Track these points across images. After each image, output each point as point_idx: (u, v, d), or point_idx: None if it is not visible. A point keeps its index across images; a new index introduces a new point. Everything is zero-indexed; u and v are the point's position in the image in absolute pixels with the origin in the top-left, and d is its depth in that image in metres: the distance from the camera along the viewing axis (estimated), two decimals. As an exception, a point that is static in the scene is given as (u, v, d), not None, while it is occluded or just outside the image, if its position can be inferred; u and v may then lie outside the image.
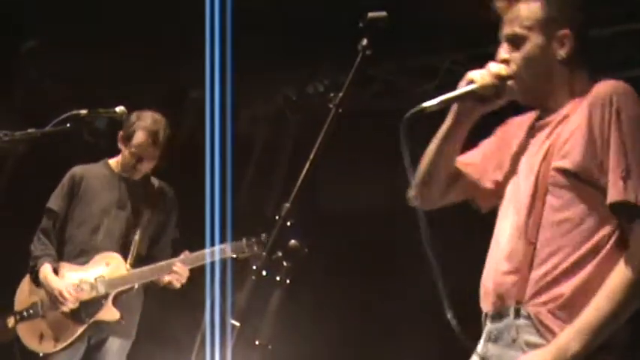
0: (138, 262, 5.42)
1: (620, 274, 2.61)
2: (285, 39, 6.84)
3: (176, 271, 5.29)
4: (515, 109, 3.09)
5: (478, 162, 3.15)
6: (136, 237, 5.40)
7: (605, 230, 2.70)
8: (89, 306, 5.27)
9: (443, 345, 6.38)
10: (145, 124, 5.36)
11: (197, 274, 5.38)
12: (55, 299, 5.22)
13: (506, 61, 2.93)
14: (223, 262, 5.35)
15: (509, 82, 2.91)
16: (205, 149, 5.74)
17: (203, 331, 7.37)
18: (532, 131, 2.96)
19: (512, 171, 2.97)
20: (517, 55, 2.90)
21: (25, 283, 5.45)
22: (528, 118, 3.05)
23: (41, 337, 5.27)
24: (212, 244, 5.40)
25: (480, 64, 7.15)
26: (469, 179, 3.13)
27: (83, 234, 5.39)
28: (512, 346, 2.76)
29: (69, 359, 5.29)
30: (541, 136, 2.88)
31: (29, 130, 4.28)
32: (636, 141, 2.67)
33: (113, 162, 5.54)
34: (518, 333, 2.74)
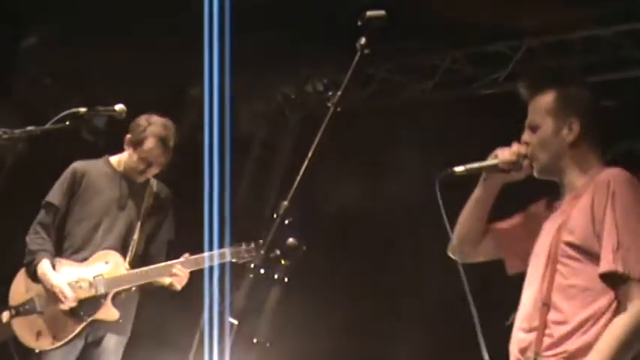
0: (136, 261, 5.40)
1: (617, 322, 3.13)
2: (284, 37, 6.84)
3: (176, 274, 5.28)
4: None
5: (509, 229, 3.69)
6: (135, 236, 5.38)
7: (606, 298, 3.19)
8: (88, 304, 5.23)
9: (440, 340, 6.44)
10: (156, 130, 5.33)
11: (195, 273, 5.37)
12: (54, 296, 5.17)
13: (526, 143, 3.48)
14: (222, 254, 5.34)
15: (527, 161, 3.48)
16: (204, 148, 5.74)
17: (201, 329, 7.40)
18: (551, 210, 3.52)
19: (535, 245, 3.48)
20: (534, 139, 3.46)
21: (21, 277, 5.36)
22: (554, 201, 3.55)
23: (38, 333, 5.21)
24: (210, 243, 5.40)
25: (479, 63, 7.14)
26: (499, 242, 3.69)
27: (82, 231, 5.34)
28: None
29: (66, 355, 5.25)
30: (556, 215, 3.43)
31: (28, 128, 4.26)
32: (627, 221, 3.19)
33: (115, 160, 5.49)
34: None
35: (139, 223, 5.40)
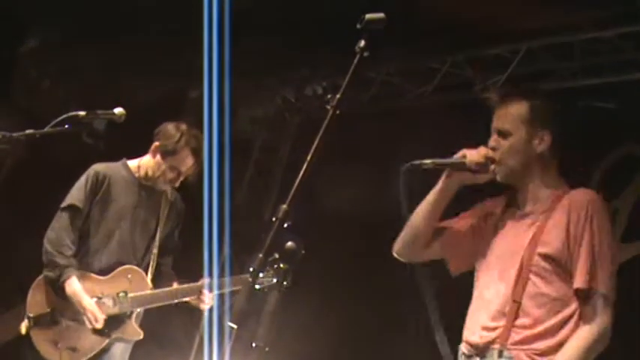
0: (155, 278, 5.34)
1: (585, 331, 3.48)
2: (283, 41, 6.84)
3: (203, 299, 5.23)
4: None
5: (456, 229, 3.82)
6: (155, 250, 5.31)
7: (573, 306, 3.52)
8: (112, 321, 5.13)
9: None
10: (191, 142, 5.26)
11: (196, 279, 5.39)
12: (82, 317, 5.07)
13: (494, 149, 3.63)
14: (221, 265, 5.33)
15: (493, 165, 3.62)
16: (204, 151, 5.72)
17: (201, 332, 7.41)
18: (509, 216, 3.72)
19: (491, 246, 3.71)
20: (504, 145, 3.61)
21: (40, 287, 5.19)
22: (501, 201, 3.78)
23: (59, 346, 5.07)
24: (210, 248, 5.39)
25: (478, 65, 7.11)
26: (446, 242, 3.82)
27: (97, 236, 5.23)
28: None
29: None
30: (524, 222, 3.63)
31: (27, 131, 4.25)
32: (601, 245, 3.50)
33: (134, 166, 5.39)
34: None
35: (157, 237, 5.32)
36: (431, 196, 3.74)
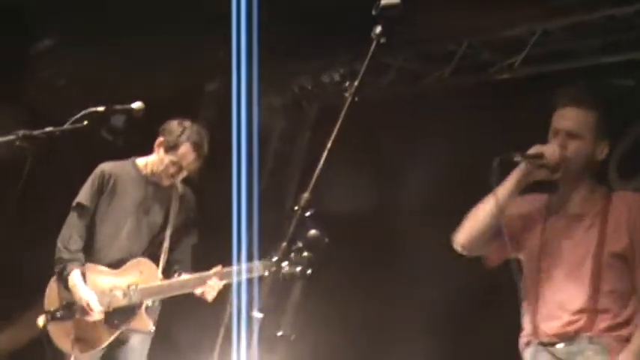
0: (168, 271, 5.44)
1: None
2: (299, 28, 6.83)
3: (211, 285, 5.29)
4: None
5: (512, 223, 3.92)
6: (166, 244, 5.42)
7: (634, 298, 3.75)
8: (122, 313, 5.28)
9: (448, 341, 6.43)
10: (192, 136, 5.38)
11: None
12: (82, 309, 5.21)
13: (564, 147, 3.78)
14: (249, 255, 5.40)
15: (562, 163, 3.75)
16: (232, 145, 5.79)
17: (226, 323, 7.42)
18: (559, 215, 3.90)
19: (545, 244, 3.88)
20: (572, 146, 3.79)
21: (54, 282, 5.39)
22: (544, 199, 3.99)
23: (74, 339, 5.24)
24: (239, 241, 5.47)
25: (495, 49, 7.08)
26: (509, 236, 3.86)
27: (107, 232, 5.37)
28: None
29: (93, 355, 5.30)
30: (581, 226, 3.84)
31: (47, 129, 4.27)
32: None
33: (142, 163, 5.53)
34: (589, 354, 3.72)
35: (168, 230, 5.44)
36: (503, 191, 3.82)
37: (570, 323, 3.77)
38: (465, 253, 3.96)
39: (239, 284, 5.30)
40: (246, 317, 5.20)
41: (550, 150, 3.78)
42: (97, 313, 5.19)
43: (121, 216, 5.38)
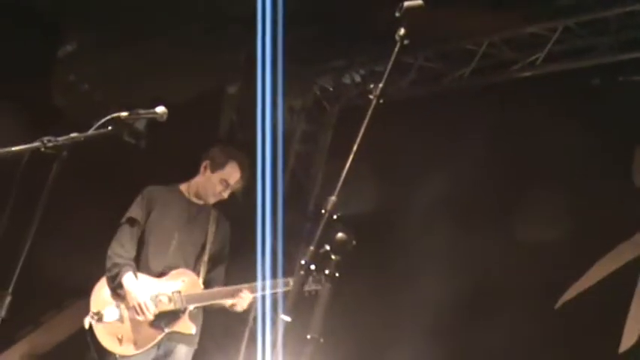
0: (206, 282, 5.79)
1: None
2: (319, 29, 6.84)
3: (242, 297, 5.63)
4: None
5: None
6: (206, 258, 5.78)
7: None
8: (167, 316, 5.59)
9: (453, 343, 6.41)
10: (238, 157, 5.85)
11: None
12: (134, 309, 5.49)
13: None
14: (274, 256, 5.63)
15: None
16: (256, 148, 5.90)
17: (251, 327, 7.46)
18: None
19: None
20: None
21: (102, 284, 5.63)
22: None
23: (120, 339, 5.51)
24: (263, 241, 5.65)
25: (514, 47, 7.03)
26: None
27: (155, 245, 5.70)
28: None
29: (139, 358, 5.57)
30: None
31: (72, 135, 4.28)
32: None
33: (184, 187, 5.92)
34: None
35: (208, 246, 5.80)
36: None
37: None
38: None
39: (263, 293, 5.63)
40: (271, 320, 5.38)
41: None
42: (149, 314, 5.49)
43: (169, 232, 5.74)
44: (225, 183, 5.81)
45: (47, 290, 6.94)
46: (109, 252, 5.64)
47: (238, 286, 5.67)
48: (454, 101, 7.21)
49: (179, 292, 5.61)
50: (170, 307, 5.58)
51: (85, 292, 5.76)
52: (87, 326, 5.52)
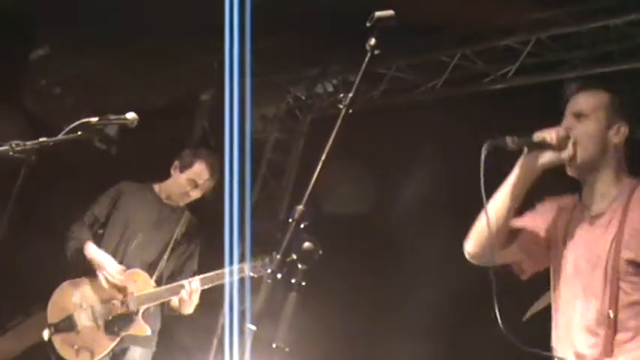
0: (161, 281, 5.74)
1: None
2: (292, 39, 6.83)
3: (186, 289, 5.55)
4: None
5: (532, 229, 3.57)
6: (165, 256, 5.73)
7: None
8: (121, 320, 5.58)
9: (447, 344, 6.42)
10: (206, 156, 5.83)
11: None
12: (104, 277, 5.48)
13: (569, 128, 3.43)
14: (241, 268, 5.60)
15: (572, 144, 3.40)
16: (224, 153, 5.89)
17: (219, 335, 7.45)
18: (579, 218, 3.46)
19: (566, 252, 3.45)
20: (580, 127, 3.42)
21: (58, 295, 5.64)
22: (568, 201, 3.57)
23: (77, 349, 5.51)
24: (231, 251, 5.64)
25: (487, 58, 7.06)
26: (525, 243, 3.57)
27: (114, 244, 5.67)
28: None
29: None
30: (598, 227, 3.37)
31: (41, 139, 4.26)
32: None
33: (157, 187, 5.91)
34: None
35: (170, 246, 5.75)
36: (508, 189, 3.46)
37: (585, 350, 3.31)
38: (476, 262, 3.55)
39: (230, 296, 5.54)
40: (239, 329, 5.33)
41: (549, 132, 3.42)
42: (116, 273, 5.49)
43: (132, 231, 5.71)
44: (193, 183, 5.79)
45: (14, 296, 6.90)
46: (68, 233, 5.64)
47: (184, 281, 5.58)
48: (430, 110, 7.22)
49: (132, 293, 5.57)
50: (124, 310, 5.55)
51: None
52: (46, 338, 5.54)
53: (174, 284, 5.62)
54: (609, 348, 3.23)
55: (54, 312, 5.60)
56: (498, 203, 3.46)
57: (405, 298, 6.74)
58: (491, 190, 3.48)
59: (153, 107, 6.28)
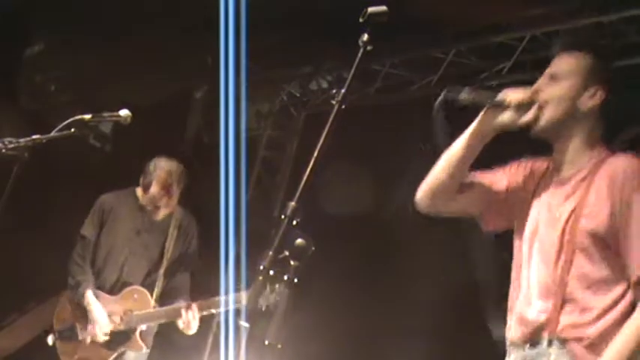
0: (161, 297, 5.78)
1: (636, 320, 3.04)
2: (287, 35, 6.83)
3: (188, 317, 5.52)
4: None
5: (489, 184, 3.46)
6: (161, 271, 5.76)
7: (622, 286, 3.11)
8: (119, 336, 5.65)
9: (444, 343, 6.41)
10: (160, 177, 5.75)
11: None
12: (92, 328, 5.58)
13: (538, 91, 3.26)
14: (237, 261, 5.61)
15: (536, 107, 3.25)
16: (220, 152, 5.88)
17: (214, 332, 7.46)
18: (548, 180, 3.34)
19: (528, 213, 3.34)
20: (552, 89, 3.25)
21: (65, 302, 5.79)
22: (541, 164, 3.42)
23: (75, 357, 5.65)
24: (227, 248, 5.67)
25: (482, 55, 7.06)
26: (479, 197, 3.46)
27: (105, 260, 5.74)
28: None
29: None
30: (562, 191, 3.25)
31: (34, 137, 4.25)
32: None
33: (140, 191, 5.89)
34: (553, 358, 3.15)
35: (166, 255, 5.78)
36: (463, 140, 3.36)
37: (533, 317, 3.21)
38: (425, 211, 3.45)
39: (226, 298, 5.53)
40: (234, 327, 5.35)
41: (515, 91, 3.28)
42: (101, 335, 5.57)
43: (119, 245, 5.74)
44: (152, 203, 5.78)
45: (9, 293, 6.89)
46: (69, 267, 5.71)
47: (177, 305, 5.60)
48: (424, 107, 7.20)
49: (131, 310, 5.64)
50: (121, 327, 5.63)
51: (48, 296, 5.76)
52: (50, 343, 5.68)
53: (173, 306, 5.63)
54: (555, 316, 3.14)
55: (60, 319, 5.75)
56: (452, 151, 3.37)
57: (402, 297, 6.75)
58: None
59: (148, 104, 6.25)
